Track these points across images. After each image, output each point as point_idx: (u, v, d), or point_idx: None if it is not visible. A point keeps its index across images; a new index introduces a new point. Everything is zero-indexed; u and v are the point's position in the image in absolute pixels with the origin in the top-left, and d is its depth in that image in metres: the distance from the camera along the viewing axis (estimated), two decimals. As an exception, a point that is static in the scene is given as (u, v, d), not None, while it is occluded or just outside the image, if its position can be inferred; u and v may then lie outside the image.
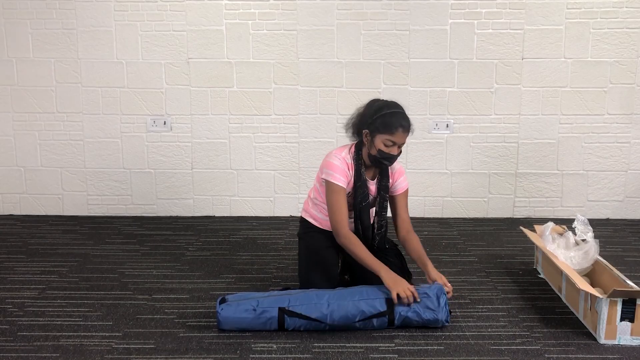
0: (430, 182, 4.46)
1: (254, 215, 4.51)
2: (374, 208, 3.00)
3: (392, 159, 2.84)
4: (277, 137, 4.41)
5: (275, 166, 4.45)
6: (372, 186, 2.95)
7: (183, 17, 4.28)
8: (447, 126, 4.37)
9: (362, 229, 2.94)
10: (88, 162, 4.47)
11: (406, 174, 3.08)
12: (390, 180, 2.97)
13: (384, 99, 2.95)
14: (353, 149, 2.91)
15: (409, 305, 2.65)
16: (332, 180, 2.82)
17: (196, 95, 4.37)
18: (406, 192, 3.03)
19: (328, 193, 2.84)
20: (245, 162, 4.46)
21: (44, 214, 4.53)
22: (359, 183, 2.88)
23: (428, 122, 4.37)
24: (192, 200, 4.52)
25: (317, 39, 4.28)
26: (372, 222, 3.00)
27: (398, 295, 2.63)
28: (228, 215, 4.53)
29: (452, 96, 4.34)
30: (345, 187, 2.84)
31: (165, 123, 4.40)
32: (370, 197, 2.94)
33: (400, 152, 2.85)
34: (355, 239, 2.80)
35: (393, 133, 2.77)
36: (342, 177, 2.83)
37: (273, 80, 4.35)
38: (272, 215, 4.51)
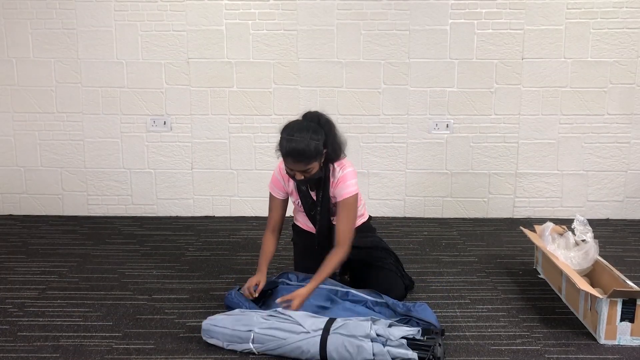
0: (430, 182, 4.46)
1: (254, 215, 4.51)
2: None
3: (299, 182, 2.81)
4: (277, 137, 4.39)
5: (275, 166, 4.43)
6: (314, 196, 2.94)
7: (183, 17, 4.27)
8: (447, 126, 4.37)
9: (322, 232, 2.98)
10: (88, 162, 4.47)
11: (355, 180, 2.86)
12: (332, 188, 2.86)
13: (309, 112, 2.85)
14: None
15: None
16: (269, 189, 3.02)
17: (196, 95, 4.37)
18: (346, 202, 2.81)
19: (269, 199, 3.03)
20: (245, 162, 4.46)
21: (44, 214, 4.53)
22: (301, 194, 2.95)
23: (428, 122, 4.37)
24: (192, 200, 4.52)
25: (317, 39, 4.28)
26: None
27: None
28: (228, 215, 4.53)
29: (452, 96, 4.33)
30: (278, 196, 2.99)
31: (165, 123, 4.40)
32: (318, 207, 2.92)
33: (310, 176, 2.72)
34: (266, 240, 2.97)
35: (285, 160, 2.74)
36: (276, 187, 2.98)
37: (273, 80, 4.34)
38: (272, 215, 4.51)
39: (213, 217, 4.50)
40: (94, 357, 2.51)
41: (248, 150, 4.43)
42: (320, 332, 2.47)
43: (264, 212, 4.48)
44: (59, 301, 3.05)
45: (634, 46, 4.25)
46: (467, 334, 2.71)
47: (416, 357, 2.39)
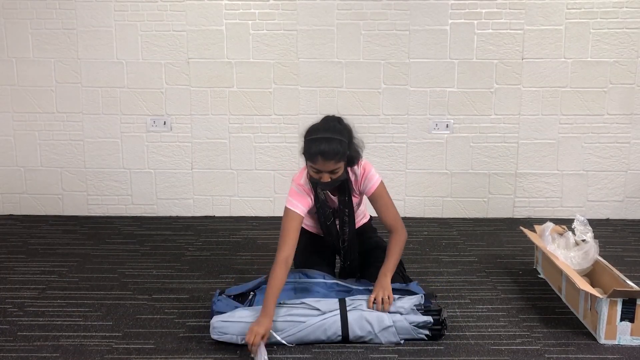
0: (430, 182, 4.46)
1: (254, 215, 4.51)
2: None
3: (325, 185, 2.72)
4: (277, 137, 4.41)
5: (275, 166, 4.45)
6: (335, 201, 2.89)
7: (183, 17, 4.27)
8: (447, 126, 4.37)
9: (331, 243, 2.97)
10: (88, 162, 4.47)
11: (374, 169, 2.87)
12: (356, 187, 2.87)
13: (329, 115, 2.83)
14: (305, 172, 2.81)
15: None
16: (288, 206, 2.76)
17: (196, 95, 4.37)
18: (378, 192, 2.84)
19: (284, 218, 2.76)
20: (245, 162, 4.46)
21: (44, 214, 4.53)
22: (318, 204, 2.84)
23: (428, 122, 4.37)
24: (192, 200, 4.52)
25: (317, 39, 4.28)
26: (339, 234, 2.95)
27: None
28: (228, 215, 4.53)
29: (452, 96, 4.33)
30: (301, 214, 2.76)
31: (165, 123, 4.40)
32: (334, 215, 2.89)
33: (337, 177, 2.69)
34: (276, 274, 2.61)
35: (313, 161, 2.65)
36: (300, 204, 2.76)
37: (273, 80, 4.35)
38: (272, 215, 4.51)
39: (213, 217, 4.50)
40: (94, 357, 2.51)
41: (248, 150, 4.43)
42: (337, 311, 2.59)
43: (264, 212, 4.51)
44: (59, 301, 3.05)
45: (634, 46, 4.25)
46: (467, 334, 2.71)
47: (431, 320, 2.59)
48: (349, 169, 2.81)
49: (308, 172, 2.75)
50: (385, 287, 2.66)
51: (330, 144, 2.62)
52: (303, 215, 2.77)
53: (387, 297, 2.62)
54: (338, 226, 2.93)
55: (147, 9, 4.26)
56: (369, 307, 2.61)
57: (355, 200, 2.90)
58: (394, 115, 4.35)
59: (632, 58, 4.27)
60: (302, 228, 3.06)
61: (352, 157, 2.75)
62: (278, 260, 2.66)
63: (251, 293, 2.80)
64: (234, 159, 4.45)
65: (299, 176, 2.84)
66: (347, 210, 2.87)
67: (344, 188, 2.84)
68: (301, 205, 2.76)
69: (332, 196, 2.88)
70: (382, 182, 2.86)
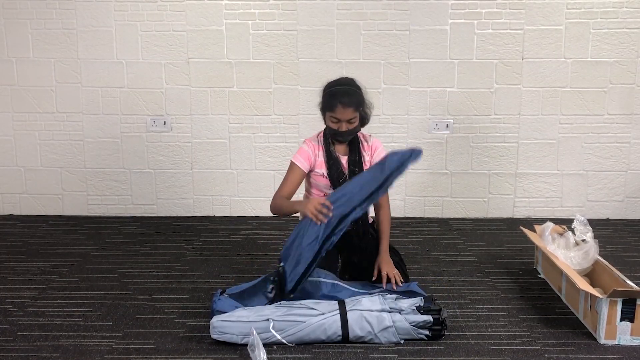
0: (430, 182, 4.46)
1: (254, 215, 4.51)
2: None
3: (343, 135, 2.92)
4: (277, 137, 4.41)
5: (275, 166, 4.45)
6: (344, 161, 3.00)
7: (183, 17, 4.27)
8: (447, 126, 4.37)
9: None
10: (88, 162, 4.47)
11: (384, 151, 3.00)
12: (366, 154, 3.02)
13: (343, 76, 3.09)
14: (322, 131, 3.03)
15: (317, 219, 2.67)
16: (292, 160, 2.99)
17: (196, 95, 4.37)
18: None
19: (288, 169, 3.00)
20: (245, 162, 4.46)
21: (44, 214, 4.53)
22: (330, 161, 2.97)
23: (428, 122, 4.37)
24: (192, 200, 4.52)
25: (317, 39, 4.28)
26: None
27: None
28: (228, 215, 4.53)
29: (452, 96, 4.34)
30: (303, 168, 2.96)
31: (165, 123, 4.40)
32: (346, 173, 2.99)
33: (353, 128, 2.90)
34: (279, 198, 2.93)
35: (333, 110, 2.87)
36: (303, 159, 2.97)
37: (273, 80, 4.35)
38: (272, 215, 4.49)
39: (213, 217, 4.50)
40: (94, 357, 2.51)
41: (248, 150, 4.43)
42: (337, 312, 2.61)
43: (264, 212, 4.50)
44: (59, 301, 3.05)
45: (634, 46, 4.25)
46: (467, 334, 2.71)
47: (431, 319, 2.60)
48: (360, 134, 3.02)
49: (325, 128, 2.97)
50: (390, 263, 2.88)
51: (349, 93, 2.89)
52: (305, 171, 2.97)
53: (393, 273, 2.83)
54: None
55: (147, 9, 4.26)
56: (381, 282, 2.81)
57: (364, 166, 3.01)
58: (394, 115, 4.35)
59: (632, 58, 4.26)
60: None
61: (363, 116, 2.98)
62: (278, 195, 2.96)
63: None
64: (234, 159, 4.45)
65: (312, 136, 3.05)
66: (357, 169, 2.97)
67: (355, 147, 3.00)
68: (304, 160, 2.97)
69: (342, 158, 2.99)
70: None
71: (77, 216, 4.51)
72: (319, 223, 2.67)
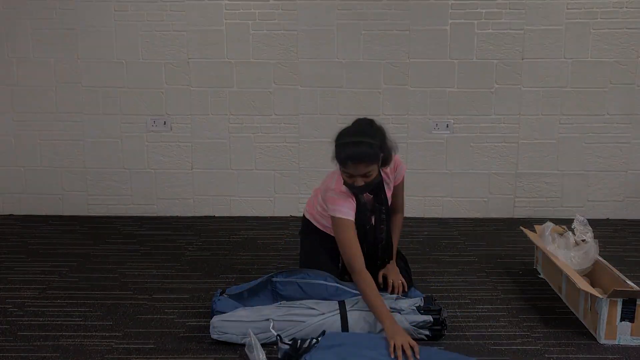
0: (430, 182, 4.46)
1: (254, 215, 4.51)
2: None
3: (359, 189, 2.69)
4: (277, 137, 4.41)
5: (275, 166, 4.45)
6: (369, 202, 2.86)
7: (183, 17, 4.27)
8: (447, 126, 4.37)
9: (366, 248, 2.87)
10: (88, 162, 4.47)
11: (404, 165, 3.01)
12: (390, 180, 2.94)
13: (360, 118, 2.79)
14: (339, 177, 2.77)
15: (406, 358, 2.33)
16: (340, 216, 2.69)
17: (196, 95, 4.37)
18: (403, 179, 3.03)
19: (338, 230, 2.70)
20: (245, 162, 4.46)
21: (44, 214, 4.53)
22: (359, 207, 2.78)
23: (428, 122, 4.37)
24: (192, 200, 4.52)
25: (317, 39, 4.28)
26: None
27: (395, 346, 2.35)
28: (228, 215, 4.52)
29: (452, 96, 4.33)
30: (353, 219, 2.72)
31: (165, 123, 4.40)
32: (373, 218, 2.88)
33: (370, 181, 2.67)
34: (370, 280, 2.59)
35: (345, 166, 2.65)
36: (350, 210, 2.71)
37: (273, 80, 4.34)
38: (272, 215, 4.51)
39: (213, 217, 4.50)
40: (94, 357, 2.51)
41: (248, 150, 4.43)
42: (337, 312, 2.61)
43: (264, 212, 4.51)
44: (59, 301, 3.05)
45: (634, 46, 4.25)
46: (467, 334, 2.71)
47: (431, 319, 2.60)
48: (382, 169, 2.80)
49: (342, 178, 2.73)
50: (397, 271, 2.89)
51: (359, 148, 2.61)
52: (354, 221, 2.71)
53: (399, 282, 2.84)
54: (374, 222, 2.88)
55: (147, 9, 4.26)
56: (388, 292, 2.81)
57: (388, 194, 2.94)
58: (394, 115, 4.35)
59: (632, 58, 4.26)
60: (313, 226, 3.08)
61: (385, 158, 2.75)
62: (360, 270, 2.60)
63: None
64: (234, 159, 4.45)
65: (337, 184, 2.76)
66: (384, 207, 2.88)
67: (379, 188, 2.83)
68: (351, 211, 2.71)
69: (368, 198, 2.85)
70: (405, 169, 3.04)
71: (77, 216, 4.51)
72: (392, 356, 2.31)
